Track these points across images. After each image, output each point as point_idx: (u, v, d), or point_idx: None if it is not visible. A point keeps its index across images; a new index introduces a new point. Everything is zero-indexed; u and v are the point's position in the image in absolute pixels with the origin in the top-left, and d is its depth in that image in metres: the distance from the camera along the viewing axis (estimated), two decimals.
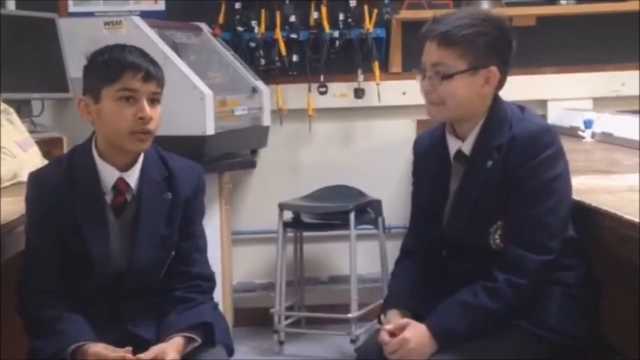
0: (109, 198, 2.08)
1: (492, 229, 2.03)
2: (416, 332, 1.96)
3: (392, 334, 1.98)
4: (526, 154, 1.98)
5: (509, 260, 1.97)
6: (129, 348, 1.94)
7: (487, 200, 2.02)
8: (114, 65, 2.00)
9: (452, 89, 2.01)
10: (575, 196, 2.08)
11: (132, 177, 2.09)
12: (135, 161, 2.09)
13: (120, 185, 2.08)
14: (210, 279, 2.19)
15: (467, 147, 2.07)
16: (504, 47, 2.04)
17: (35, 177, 2.10)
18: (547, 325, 1.99)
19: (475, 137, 2.06)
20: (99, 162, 2.07)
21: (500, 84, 2.05)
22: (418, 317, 2.04)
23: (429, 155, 2.17)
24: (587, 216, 2.01)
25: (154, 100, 2.04)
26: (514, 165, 1.99)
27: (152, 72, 2.02)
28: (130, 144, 2.03)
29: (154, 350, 1.97)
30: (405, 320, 2.01)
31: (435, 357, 1.94)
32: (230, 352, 2.15)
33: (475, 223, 2.04)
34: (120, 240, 2.08)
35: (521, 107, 2.11)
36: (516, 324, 1.98)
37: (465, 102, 2.03)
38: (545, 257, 1.96)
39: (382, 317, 2.11)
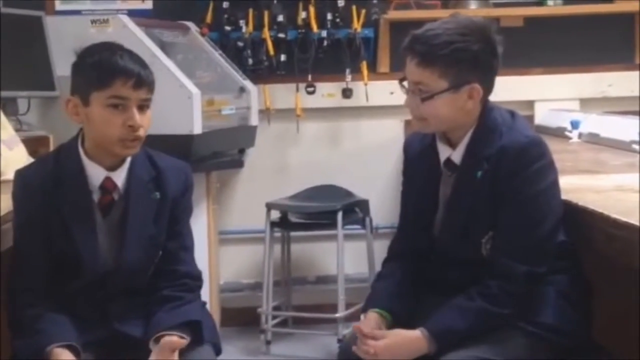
0: (96, 197, 2.07)
1: (484, 240, 2.03)
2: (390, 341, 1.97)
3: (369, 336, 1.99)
4: (514, 168, 1.97)
5: (497, 270, 1.98)
6: None
7: (478, 212, 2.02)
8: (104, 71, 1.97)
9: (433, 108, 1.99)
10: (563, 196, 2.08)
11: (120, 176, 2.07)
12: (122, 161, 2.08)
13: (107, 185, 2.06)
14: (197, 278, 2.18)
15: (457, 156, 2.06)
16: (488, 58, 2.01)
17: (22, 175, 2.09)
18: (546, 325, 1.99)
19: (465, 146, 2.05)
20: (85, 161, 2.05)
21: (487, 93, 2.04)
22: (398, 319, 2.04)
23: (419, 160, 2.16)
24: (575, 216, 2.02)
25: (143, 106, 2.02)
26: (503, 179, 1.98)
27: (143, 78, 1.98)
28: (119, 149, 2.01)
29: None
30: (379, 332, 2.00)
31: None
32: (217, 350, 2.15)
33: (467, 235, 2.04)
34: (108, 239, 2.07)
35: (512, 112, 2.09)
36: (514, 325, 1.98)
37: (449, 119, 2.02)
38: (531, 269, 1.97)
39: (362, 316, 2.11)
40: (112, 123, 1.98)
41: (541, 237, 1.98)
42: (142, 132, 2.01)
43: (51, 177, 2.05)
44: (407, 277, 2.15)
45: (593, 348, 2.07)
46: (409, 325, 2.01)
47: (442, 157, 2.09)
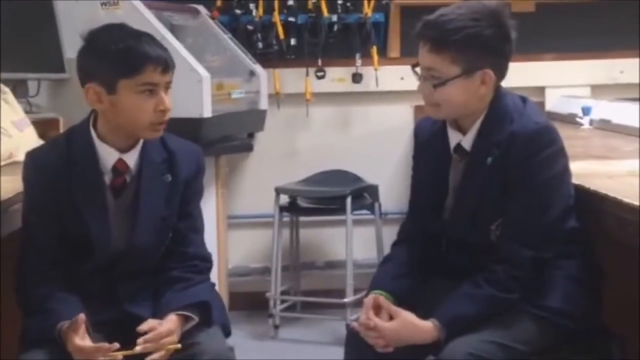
0: (107, 179, 2.06)
1: (493, 227, 2.02)
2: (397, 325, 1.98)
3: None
4: (524, 154, 1.96)
5: (503, 255, 1.98)
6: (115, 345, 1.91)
7: (488, 198, 2.02)
8: (134, 58, 1.96)
9: (446, 94, 1.98)
10: (575, 181, 2.08)
11: (132, 158, 2.07)
12: (135, 143, 2.07)
13: (119, 166, 2.06)
14: (207, 259, 2.18)
15: (467, 142, 2.06)
16: (500, 43, 1.99)
17: (33, 157, 2.09)
18: (554, 309, 1.99)
19: (475, 132, 2.04)
20: (97, 143, 2.05)
21: (500, 78, 2.02)
22: (401, 301, 2.05)
23: (429, 145, 2.15)
24: (588, 200, 2.02)
25: (167, 89, 2.03)
26: (513, 165, 1.98)
27: (169, 63, 2.00)
28: (149, 133, 2.03)
29: (148, 324, 1.96)
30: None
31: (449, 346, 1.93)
32: (227, 332, 2.15)
33: (477, 221, 2.04)
34: (119, 221, 2.07)
35: (523, 98, 2.08)
36: (522, 309, 1.98)
37: (462, 105, 2.01)
38: (538, 254, 1.96)
39: (364, 300, 2.11)
40: (144, 109, 1.98)
41: (549, 223, 1.98)
42: (168, 115, 2.03)
43: (62, 159, 2.04)
44: (412, 259, 2.15)
45: (603, 332, 2.07)
46: (415, 307, 2.01)
47: (452, 142, 2.09)
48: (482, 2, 2.03)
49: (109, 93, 1.98)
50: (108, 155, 2.05)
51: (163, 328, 1.96)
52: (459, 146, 2.07)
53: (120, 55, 1.96)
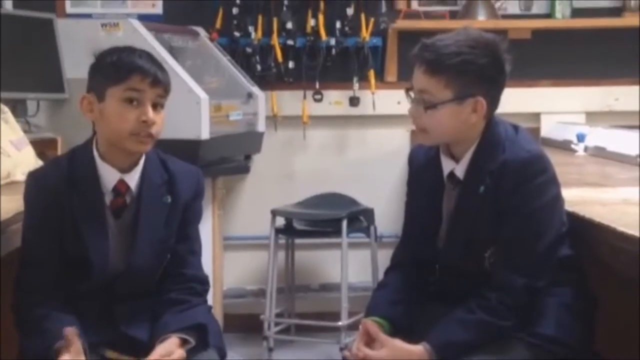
0: (108, 199, 2.07)
1: (487, 254, 2.03)
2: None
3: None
4: (516, 183, 1.97)
5: (496, 283, 1.98)
6: None
7: (481, 227, 2.03)
8: (122, 67, 2.00)
9: (435, 119, 2.00)
10: (569, 208, 2.09)
11: (133, 179, 2.08)
12: (135, 163, 2.09)
13: (120, 187, 2.07)
14: (204, 282, 2.19)
15: (460, 170, 2.07)
16: (494, 73, 2.00)
17: (35, 177, 2.09)
18: (546, 336, 1.99)
19: (468, 161, 2.05)
20: (99, 163, 2.06)
21: (492, 108, 2.03)
22: (397, 327, 2.05)
23: (423, 172, 2.17)
24: (582, 228, 2.03)
25: (157, 105, 2.04)
26: (504, 193, 1.99)
27: (159, 78, 2.02)
28: (131, 145, 2.02)
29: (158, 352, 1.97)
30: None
31: None
32: (222, 355, 2.15)
33: (471, 248, 2.05)
34: (119, 242, 2.08)
35: (515, 126, 2.09)
36: (515, 336, 1.98)
37: (451, 131, 2.02)
38: (530, 282, 1.97)
39: (360, 325, 2.11)
40: (126, 117, 2.00)
41: (541, 251, 1.99)
42: (155, 130, 2.03)
43: (64, 179, 2.05)
44: (408, 285, 2.16)
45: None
46: (410, 333, 2.02)
47: (446, 170, 2.10)
48: (480, 32, 2.05)
49: (99, 101, 2.02)
50: (109, 176, 2.06)
51: (165, 351, 1.96)
52: (452, 174, 2.09)
53: (111, 64, 2.02)
